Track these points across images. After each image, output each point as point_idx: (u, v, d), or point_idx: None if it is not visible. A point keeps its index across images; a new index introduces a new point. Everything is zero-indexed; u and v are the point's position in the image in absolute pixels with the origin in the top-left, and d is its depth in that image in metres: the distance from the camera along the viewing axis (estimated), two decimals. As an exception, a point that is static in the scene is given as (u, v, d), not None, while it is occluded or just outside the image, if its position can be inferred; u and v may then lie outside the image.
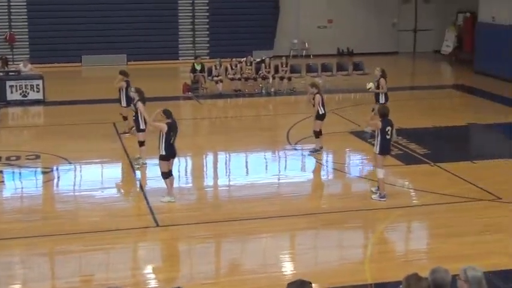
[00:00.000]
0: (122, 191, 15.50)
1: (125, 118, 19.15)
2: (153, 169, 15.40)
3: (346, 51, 35.70)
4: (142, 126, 16.27)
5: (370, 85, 18.45)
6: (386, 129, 13.90)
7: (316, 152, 17.51)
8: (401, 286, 6.15)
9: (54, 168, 16.63)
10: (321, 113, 17.33)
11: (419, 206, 14.03)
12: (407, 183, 15.54)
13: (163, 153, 13.83)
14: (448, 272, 6.39)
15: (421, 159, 16.96)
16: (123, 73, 19.63)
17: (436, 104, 24.15)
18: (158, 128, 13.90)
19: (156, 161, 14.38)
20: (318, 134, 17.47)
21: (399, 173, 15.47)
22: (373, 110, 18.86)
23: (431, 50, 36.64)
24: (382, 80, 18.83)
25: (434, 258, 11.12)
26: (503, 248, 11.85)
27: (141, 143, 16.44)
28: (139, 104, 16.23)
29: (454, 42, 34.59)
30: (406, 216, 13.54)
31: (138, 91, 16.47)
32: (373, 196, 13.90)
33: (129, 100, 17.90)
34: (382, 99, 18.92)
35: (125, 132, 19.02)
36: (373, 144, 14.42)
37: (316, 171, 17.03)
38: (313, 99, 17.34)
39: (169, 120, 13.91)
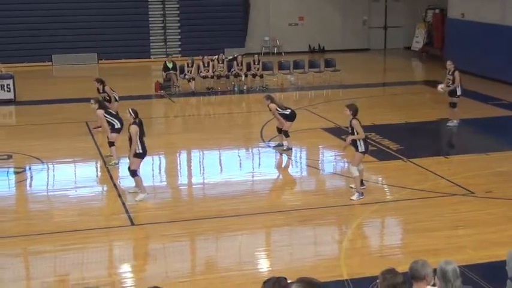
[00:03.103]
0: (96, 190, 15.40)
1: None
2: (125, 168, 15.34)
3: (318, 48, 35.80)
4: (115, 127, 16.36)
5: (441, 87, 19.75)
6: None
7: (287, 150, 17.53)
8: (377, 281, 6.20)
9: (27, 168, 16.52)
10: (287, 113, 17.40)
11: (393, 201, 14.14)
12: (380, 179, 15.64)
13: (141, 151, 13.86)
14: (425, 265, 6.46)
15: (394, 155, 17.08)
16: (98, 80, 19.81)
17: (407, 100, 24.32)
18: (131, 134, 13.90)
19: (127, 159, 14.35)
20: (286, 133, 17.50)
21: (373, 168, 15.56)
22: (451, 104, 19.32)
23: (401, 46, 36.92)
24: (457, 73, 19.62)
25: (409, 253, 11.21)
26: (476, 242, 11.95)
27: (111, 143, 16.43)
28: (99, 112, 16.47)
29: (424, 38, 34.84)
30: (380, 212, 13.62)
31: (97, 101, 16.96)
32: (353, 197, 13.91)
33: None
34: (459, 91, 19.77)
35: (97, 127, 18.83)
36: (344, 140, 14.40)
37: (290, 168, 17.09)
38: (270, 109, 17.43)
39: (136, 120, 13.98)
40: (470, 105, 22.07)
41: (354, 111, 13.88)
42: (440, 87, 19.94)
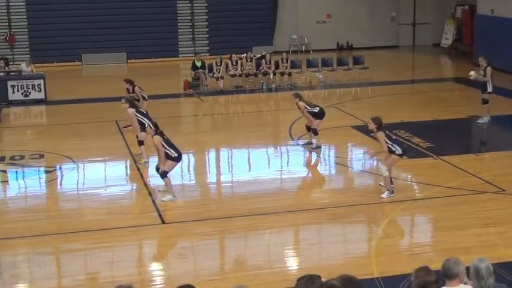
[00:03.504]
0: (126, 188, 15.51)
1: None
2: (155, 167, 15.41)
3: (346, 45, 35.69)
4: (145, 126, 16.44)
5: (473, 74, 19.45)
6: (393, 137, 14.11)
7: (316, 148, 17.51)
8: (411, 278, 6.19)
9: (58, 167, 16.67)
10: (316, 111, 17.36)
11: (423, 199, 14.06)
12: (411, 176, 15.56)
13: (175, 155, 13.90)
14: (458, 263, 6.42)
15: (424, 153, 16.98)
16: (128, 81, 19.90)
17: (436, 97, 24.15)
18: (155, 145, 14.02)
19: (156, 158, 14.43)
20: (315, 131, 17.47)
21: (403, 166, 15.46)
22: (482, 101, 19.24)
23: (430, 43, 36.64)
24: (489, 69, 19.48)
25: (439, 251, 11.15)
26: (507, 240, 11.86)
27: (141, 142, 16.51)
28: (129, 111, 16.53)
29: (453, 35, 34.59)
30: (410, 210, 13.56)
31: (127, 100, 17.07)
32: (383, 195, 13.85)
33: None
34: (490, 88, 19.60)
35: (127, 126, 18.90)
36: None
37: (319, 166, 17.07)
38: (299, 107, 17.39)
39: (157, 131, 14.14)
40: (501, 102, 21.86)
41: (379, 124, 13.78)
42: (472, 73, 19.67)
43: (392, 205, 13.57)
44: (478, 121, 19.90)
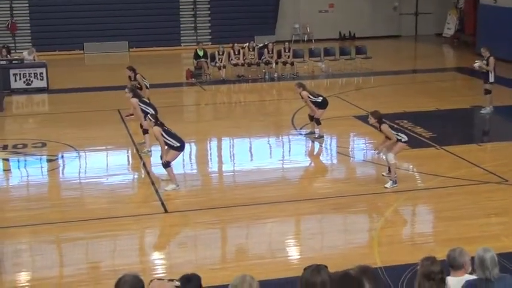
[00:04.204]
0: (129, 177, 15.51)
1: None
2: (158, 156, 15.40)
3: (348, 35, 35.61)
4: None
5: (478, 63, 19.49)
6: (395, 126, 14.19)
7: (319, 137, 17.49)
8: (416, 268, 6.19)
9: (61, 155, 16.66)
10: (319, 100, 17.32)
11: (426, 189, 14.04)
12: (413, 167, 15.54)
13: (178, 144, 13.88)
14: (463, 253, 6.42)
15: (426, 143, 16.96)
16: (130, 68, 19.89)
17: (439, 87, 24.11)
18: (156, 136, 14.04)
19: (159, 147, 14.40)
20: (318, 121, 17.44)
21: (405, 156, 15.42)
22: (485, 91, 19.20)
23: (433, 33, 36.56)
24: (491, 59, 19.47)
25: (442, 241, 11.16)
26: (510, 230, 11.84)
27: (145, 131, 16.49)
28: (133, 101, 16.49)
29: (456, 24, 34.51)
30: (413, 200, 13.56)
31: (131, 90, 17.01)
32: (387, 185, 13.83)
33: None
34: (492, 78, 19.59)
35: (130, 115, 18.86)
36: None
37: (322, 155, 17.06)
38: (302, 97, 17.35)
39: (157, 122, 14.13)
40: (504, 92, 21.80)
41: (378, 117, 13.79)
42: (477, 62, 19.71)
43: (395, 195, 13.56)
44: (481, 111, 19.87)
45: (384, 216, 12.62)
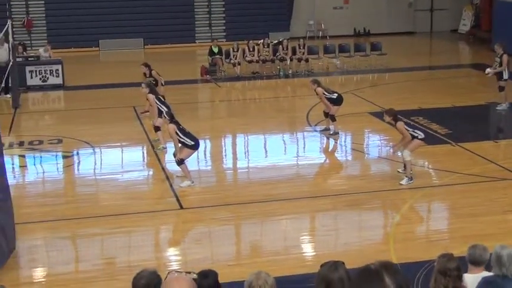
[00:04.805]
0: (144, 174, 15.55)
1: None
2: (172, 153, 15.43)
3: (363, 31, 35.52)
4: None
5: (489, 70, 19.63)
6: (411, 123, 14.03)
7: (334, 134, 17.46)
8: (433, 264, 6.17)
9: (76, 152, 16.72)
10: (334, 97, 17.28)
11: (441, 186, 13.99)
12: (429, 163, 15.48)
13: (192, 143, 13.87)
14: (485, 250, 6.39)
15: (442, 139, 16.89)
16: (146, 65, 19.94)
17: (454, 84, 24.01)
18: (170, 134, 14.10)
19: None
20: (333, 117, 17.40)
21: (421, 153, 15.37)
22: (499, 88, 19.15)
23: (448, 29, 36.40)
24: (505, 56, 19.43)
25: (458, 238, 11.13)
26: (527, 227, 11.80)
27: (157, 128, 16.51)
28: (150, 96, 16.51)
29: (472, 21, 34.34)
30: (429, 197, 13.52)
31: (148, 85, 16.95)
32: (402, 182, 13.79)
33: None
34: (506, 75, 19.50)
35: (145, 111, 18.89)
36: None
37: (337, 152, 17.04)
38: (317, 94, 17.32)
39: (172, 120, 14.16)
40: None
41: (393, 115, 13.76)
42: (488, 70, 19.73)
43: (411, 192, 13.52)
44: (497, 108, 19.78)
45: (399, 213, 12.58)
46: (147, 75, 19.79)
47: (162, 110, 16.13)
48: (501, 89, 19.69)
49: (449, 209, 13.19)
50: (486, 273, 6.51)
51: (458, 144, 16.46)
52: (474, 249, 6.46)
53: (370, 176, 14.92)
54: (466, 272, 6.44)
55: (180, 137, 13.83)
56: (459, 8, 35.33)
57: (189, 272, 4.27)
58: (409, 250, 10.90)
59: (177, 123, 14.05)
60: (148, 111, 17.99)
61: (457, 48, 33.75)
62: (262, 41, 26.67)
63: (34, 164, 16.18)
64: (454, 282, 6.06)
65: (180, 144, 13.91)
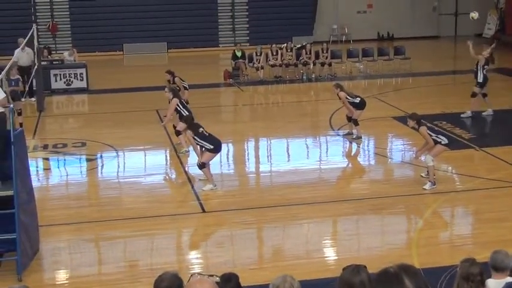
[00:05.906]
0: (167, 177, 15.61)
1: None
2: (195, 156, 15.46)
3: (387, 36, 35.43)
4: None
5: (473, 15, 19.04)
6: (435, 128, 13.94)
7: (357, 138, 17.42)
8: (456, 269, 6.13)
9: (100, 155, 16.82)
10: (357, 101, 17.23)
11: (465, 191, 13.90)
12: (452, 168, 15.39)
13: (211, 147, 13.88)
14: (508, 255, 6.34)
15: (466, 144, 16.79)
16: (169, 72, 19.97)
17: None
18: (189, 140, 14.24)
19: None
20: (356, 122, 17.37)
21: (445, 158, 15.28)
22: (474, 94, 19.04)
23: (472, 33, 36.14)
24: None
25: (481, 243, 11.03)
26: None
27: (178, 132, 16.54)
28: (174, 101, 16.55)
29: (497, 25, 34.12)
30: (452, 202, 13.44)
31: (171, 89, 16.96)
32: (426, 186, 13.72)
33: None
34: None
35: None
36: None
37: (359, 156, 16.99)
38: (340, 98, 17.29)
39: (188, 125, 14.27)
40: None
41: (417, 119, 13.68)
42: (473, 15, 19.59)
43: (434, 196, 13.44)
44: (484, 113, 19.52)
45: (422, 218, 12.51)
46: (171, 82, 19.87)
47: (184, 114, 16.20)
48: None
49: (472, 214, 13.10)
50: (510, 279, 6.46)
51: (482, 148, 16.35)
52: (496, 254, 6.39)
53: (393, 181, 14.87)
54: (490, 277, 6.39)
55: (197, 141, 13.87)
56: (484, 12, 35.10)
57: (212, 275, 4.28)
58: (431, 255, 10.83)
59: (197, 128, 14.06)
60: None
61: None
62: (285, 45, 26.69)
63: (58, 167, 16.29)
64: (477, 287, 6.01)
65: (203, 148, 13.95)
